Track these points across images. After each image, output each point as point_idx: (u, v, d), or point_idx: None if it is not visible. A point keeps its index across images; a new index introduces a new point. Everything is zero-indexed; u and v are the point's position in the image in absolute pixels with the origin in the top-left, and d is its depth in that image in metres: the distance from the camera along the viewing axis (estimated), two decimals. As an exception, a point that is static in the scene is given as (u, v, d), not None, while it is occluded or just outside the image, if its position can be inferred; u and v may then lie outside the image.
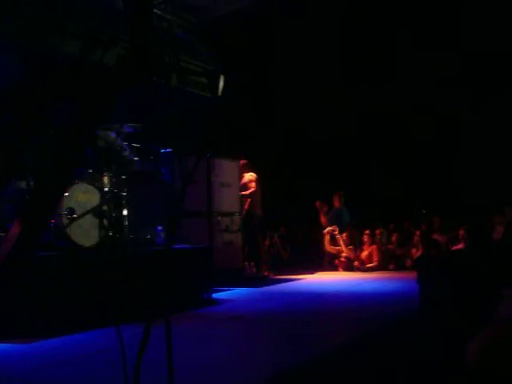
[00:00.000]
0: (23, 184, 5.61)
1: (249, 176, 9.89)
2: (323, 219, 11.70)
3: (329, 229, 11.34)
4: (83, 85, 1.84)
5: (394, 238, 11.59)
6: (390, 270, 10.94)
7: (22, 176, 5.42)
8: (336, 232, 11.24)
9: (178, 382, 2.31)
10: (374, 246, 11.18)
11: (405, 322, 5.09)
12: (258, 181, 9.93)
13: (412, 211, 12.81)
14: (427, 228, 11.30)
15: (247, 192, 9.71)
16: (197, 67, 1.88)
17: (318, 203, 11.70)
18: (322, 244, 11.58)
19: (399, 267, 10.97)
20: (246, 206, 9.65)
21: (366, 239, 11.34)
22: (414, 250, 11.01)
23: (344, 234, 11.26)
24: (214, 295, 7.24)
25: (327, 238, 11.37)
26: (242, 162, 9.79)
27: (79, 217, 5.78)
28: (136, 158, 7.05)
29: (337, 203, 11.85)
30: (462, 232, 9.12)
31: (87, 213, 5.81)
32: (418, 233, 11.17)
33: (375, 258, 11.08)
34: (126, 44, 1.63)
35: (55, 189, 1.78)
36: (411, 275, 9.67)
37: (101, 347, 4.50)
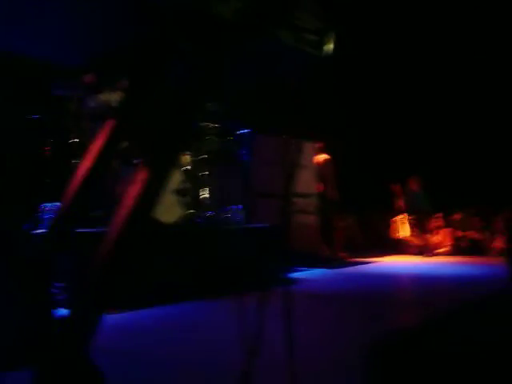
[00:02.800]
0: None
1: (323, 158, 9.82)
2: (399, 203, 11.49)
3: (399, 216, 11.22)
4: (200, 38, 1.81)
5: (474, 224, 11.24)
6: (464, 255, 10.64)
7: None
8: (406, 218, 11.07)
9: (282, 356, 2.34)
10: (447, 230, 10.88)
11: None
12: (332, 163, 9.85)
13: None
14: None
15: (322, 174, 9.65)
16: (307, 24, 1.82)
17: (394, 187, 11.49)
18: (394, 229, 11.44)
19: (477, 253, 10.64)
20: (321, 188, 9.61)
21: (437, 223, 11.07)
22: (495, 237, 10.65)
23: (415, 220, 11.06)
24: (291, 275, 7.28)
25: (397, 223, 11.23)
26: (319, 144, 9.73)
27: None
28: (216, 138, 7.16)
29: (414, 187, 11.57)
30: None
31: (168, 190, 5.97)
32: (499, 219, 10.77)
33: (447, 243, 10.79)
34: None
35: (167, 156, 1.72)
36: (491, 261, 9.39)
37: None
